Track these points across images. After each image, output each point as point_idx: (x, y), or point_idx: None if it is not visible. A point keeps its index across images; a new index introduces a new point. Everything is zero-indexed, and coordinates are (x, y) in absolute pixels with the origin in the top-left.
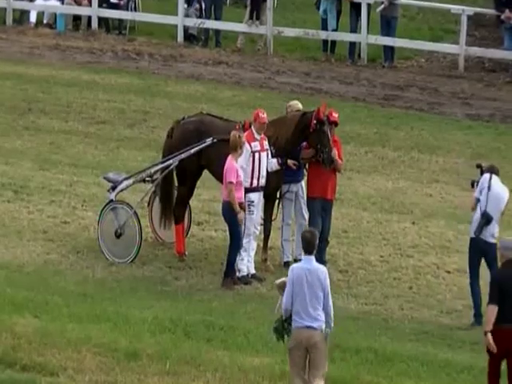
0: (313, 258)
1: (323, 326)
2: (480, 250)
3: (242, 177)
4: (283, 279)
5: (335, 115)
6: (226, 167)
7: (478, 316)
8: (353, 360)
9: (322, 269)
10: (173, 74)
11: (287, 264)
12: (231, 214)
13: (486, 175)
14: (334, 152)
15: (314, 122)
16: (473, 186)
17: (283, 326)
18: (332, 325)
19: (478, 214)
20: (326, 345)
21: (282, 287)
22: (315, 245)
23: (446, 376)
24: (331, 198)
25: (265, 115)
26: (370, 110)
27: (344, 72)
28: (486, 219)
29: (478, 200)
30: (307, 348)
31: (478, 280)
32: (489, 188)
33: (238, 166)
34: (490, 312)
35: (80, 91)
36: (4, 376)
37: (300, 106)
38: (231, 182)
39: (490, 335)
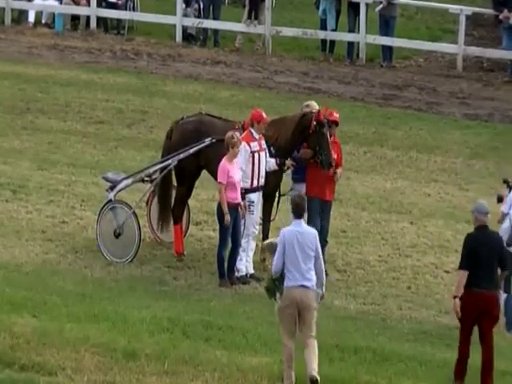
0: (302, 221)
1: (315, 287)
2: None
3: (235, 177)
4: (271, 240)
5: (336, 115)
6: (219, 167)
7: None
8: (351, 360)
9: (313, 232)
10: (171, 74)
11: None
12: (223, 214)
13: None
14: (332, 154)
15: (314, 123)
16: (499, 200)
17: (274, 285)
18: (324, 290)
19: (507, 224)
20: (317, 303)
21: (270, 248)
22: (304, 208)
23: (444, 376)
24: (330, 199)
25: (265, 115)
26: (368, 109)
27: (342, 72)
28: None
29: (505, 214)
30: (299, 308)
31: None
32: None
33: (231, 167)
34: (460, 278)
35: (78, 91)
36: (3, 376)
37: (317, 106)
38: (220, 183)
39: (457, 301)
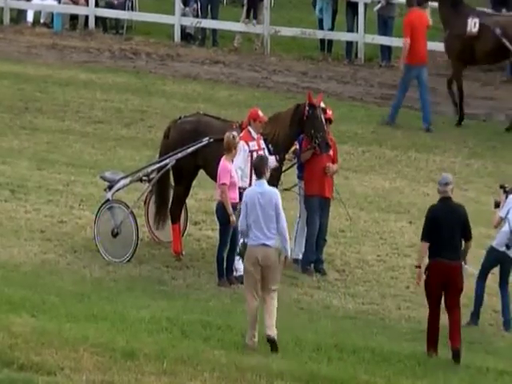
0: (264, 182)
1: (277, 245)
2: (500, 261)
3: (236, 177)
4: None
5: (329, 112)
6: (219, 168)
7: (476, 316)
8: (350, 359)
9: (274, 191)
10: (170, 74)
11: (297, 261)
12: (224, 214)
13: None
14: (332, 140)
15: (307, 108)
16: (497, 206)
17: (244, 248)
18: (287, 246)
19: (506, 228)
20: (279, 263)
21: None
22: (265, 169)
23: (442, 375)
24: (329, 196)
25: (262, 114)
26: (366, 109)
27: (341, 71)
28: None
29: (502, 219)
30: (262, 266)
31: (485, 283)
32: None
33: (231, 167)
34: (421, 248)
35: (77, 91)
36: (1, 375)
37: (322, 105)
38: (224, 184)
39: (419, 270)
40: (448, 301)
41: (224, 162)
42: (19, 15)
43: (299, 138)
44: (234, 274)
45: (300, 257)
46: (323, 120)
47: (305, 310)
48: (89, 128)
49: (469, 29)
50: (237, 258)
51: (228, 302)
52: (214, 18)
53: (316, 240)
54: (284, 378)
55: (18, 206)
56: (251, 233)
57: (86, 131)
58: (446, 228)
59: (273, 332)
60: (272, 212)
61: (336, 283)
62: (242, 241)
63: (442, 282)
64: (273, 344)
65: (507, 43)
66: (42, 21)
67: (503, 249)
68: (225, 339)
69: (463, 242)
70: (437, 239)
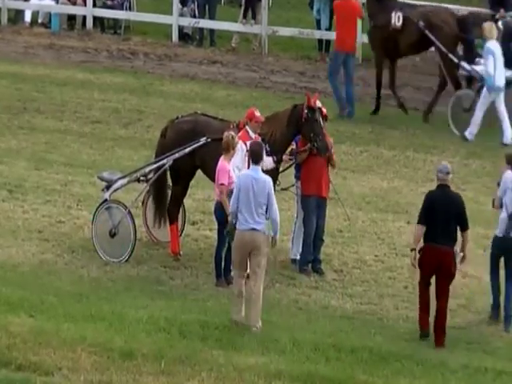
0: (259, 168)
1: (265, 229)
2: (504, 248)
3: (234, 177)
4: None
5: (324, 110)
6: (218, 168)
7: (496, 309)
8: (348, 359)
9: (268, 179)
10: (167, 74)
11: (294, 261)
12: (222, 214)
13: (508, 174)
14: (330, 140)
15: (306, 111)
16: (494, 205)
17: (234, 228)
18: (278, 229)
19: (504, 215)
20: (267, 247)
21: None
22: (262, 155)
23: (440, 375)
24: (325, 196)
25: (259, 114)
26: (364, 109)
27: None
28: None
29: (501, 199)
30: (250, 250)
31: (498, 274)
32: None
33: (230, 168)
34: (417, 231)
35: (75, 91)
36: None
37: (319, 104)
38: (223, 184)
39: (413, 253)
40: (438, 286)
41: (222, 162)
42: (17, 15)
43: (295, 139)
44: (232, 274)
45: (298, 257)
46: (322, 123)
47: (303, 310)
48: (87, 128)
49: (393, 22)
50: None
51: (226, 302)
52: (211, 18)
53: (313, 240)
54: (282, 378)
55: (16, 206)
56: (241, 216)
57: (83, 131)
58: (441, 214)
59: (257, 323)
60: (263, 199)
61: (334, 283)
62: (230, 219)
63: (434, 266)
64: (256, 329)
65: (430, 35)
66: (39, 21)
67: (502, 233)
68: (223, 339)
69: (459, 234)
70: (432, 224)
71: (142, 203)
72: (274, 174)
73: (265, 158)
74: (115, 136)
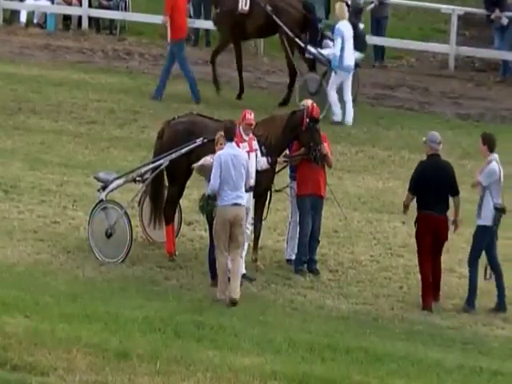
0: (234, 143)
1: (245, 204)
2: (489, 237)
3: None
4: (200, 163)
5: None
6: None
7: (472, 303)
8: (343, 360)
9: (244, 154)
10: None
11: (290, 262)
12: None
13: (495, 166)
14: (324, 146)
15: (307, 120)
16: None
17: (207, 203)
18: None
19: (490, 205)
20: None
21: (201, 171)
22: (235, 133)
23: (436, 375)
24: (323, 195)
25: (252, 116)
26: (360, 109)
27: None
28: (503, 212)
29: (484, 188)
30: (231, 224)
31: (478, 268)
32: (499, 179)
33: None
34: (407, 198)
35: (70, 91)
36: None
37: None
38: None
39: (407, 204)
40: (433, 248)
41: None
42: (12, 16)
43: None
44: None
45: (293, 257)
46: (320, 133)
47: (298, 310)
48: (82, 128)
49: (240, 7)
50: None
51: (221, 303)
52: (206, 18)
53: (309, 240)
54: (277, 379)
55: (11, 206)
56: (223, 192)
57: (79, 131)
58: (434, 183)
59: (236, 295)
60: (244, 173)
61: (329, 283)
62: (206, 196)
63: (431, 232)
64: (234, 304)
65: (277, 19)
66: (35, 21)
67: (490, 223)
68: (218, 339)
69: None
70: (425, 193)
71: (139, 204)
72: (269, 174)
73: (260, 157)
74: (110, 136)
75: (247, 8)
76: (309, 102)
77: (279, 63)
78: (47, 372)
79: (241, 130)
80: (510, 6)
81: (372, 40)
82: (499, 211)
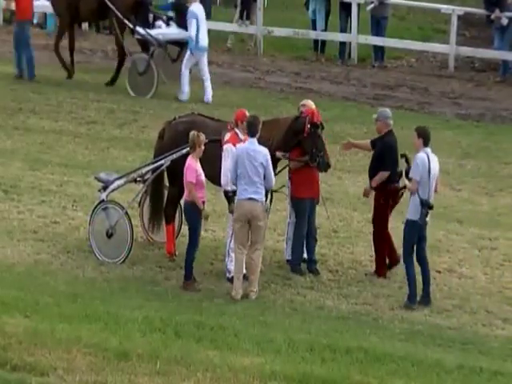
0: (255, 140)
1: (263, 199)
2: (419, 230)
3: (202, 176)
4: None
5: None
6: (185, 167)
7: (414, 297)
8: (343, 360)
9: (264, 150)
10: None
11: (289, 262)
12: (191, 214)
13: (423, 158)
14: (328, 155)
15: (308, 126)
16: (405, 175)
17: (227, 197)
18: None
19: (417, 200)
20: (266, 217)
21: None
22: (258, 128)
23: (436, 376)
24: (317, 197)
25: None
26: (359, 109)
27: (334, 72)
28: (429, 207)
29: (417, 182)
30: (249, 219)
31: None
32: (429, 172)
33: (197, 166)
34: (383, 176)
35: (70, 91)
36: None
37: (313, 106)
38: (191, 182)
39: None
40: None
41: (191, 160)
42: (12, 16)
43: None
44: (227, 275)
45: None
46: (324, 140)
47: (298, 310)
48: (82, 128)
49: None
50: (229, 259)
51: (221, 303)
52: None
53: (307, 240)
54: (277, 379)
55: (11, 206)
56: (240, 187)
57: (79, 132)
58: (396, 156)
59: (254, 287)
60: (261, 170)
61: (329, 283)
62: (227, 189)
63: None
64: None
65: (109, 3)
66: (35, 21)
67: (417, 218)
68: (218, 340)
69: None
70: (393, 167)
71: (139, 204)
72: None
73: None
74: (110, 136)
75: None
76: (309, 103)
77: (279, 63)
78: (47, 372)
79: (237, 130)
80: (510, 6)
81: (372, 40)
82: (426, 206)
